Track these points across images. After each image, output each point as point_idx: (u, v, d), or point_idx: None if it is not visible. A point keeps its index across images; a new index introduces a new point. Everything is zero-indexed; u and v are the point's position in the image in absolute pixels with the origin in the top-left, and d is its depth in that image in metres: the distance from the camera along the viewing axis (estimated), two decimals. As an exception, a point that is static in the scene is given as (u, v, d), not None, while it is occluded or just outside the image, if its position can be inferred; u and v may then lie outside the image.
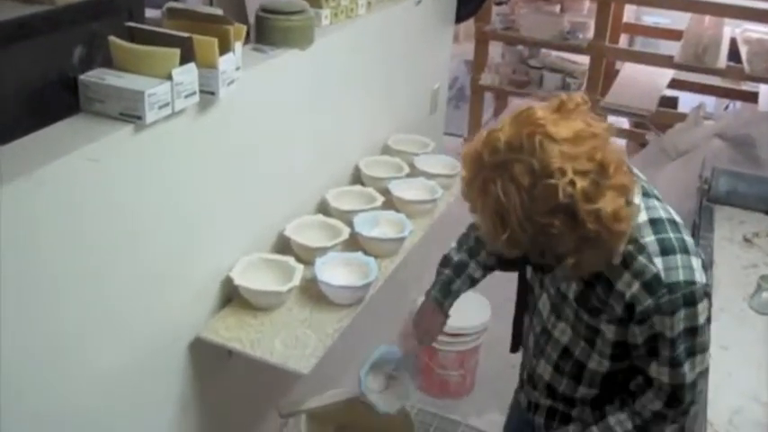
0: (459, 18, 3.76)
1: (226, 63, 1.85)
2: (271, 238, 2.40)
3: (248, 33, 2.17)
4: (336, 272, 2.27)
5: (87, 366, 1.74)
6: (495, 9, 5.04)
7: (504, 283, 2.02)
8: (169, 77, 1.71)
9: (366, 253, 2.38)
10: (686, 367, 1.57)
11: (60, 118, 1.69)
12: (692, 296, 1.51)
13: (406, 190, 2.72)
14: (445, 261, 1.99)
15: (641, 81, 4.99)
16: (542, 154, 1.36)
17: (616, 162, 1.42)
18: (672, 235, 1.54)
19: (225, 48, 1.85)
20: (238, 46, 1.92)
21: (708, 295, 1.55)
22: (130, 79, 1.70)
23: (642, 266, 1.51)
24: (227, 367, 2.24)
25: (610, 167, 1.40)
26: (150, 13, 3.21)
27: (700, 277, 1.53)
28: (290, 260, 2.26)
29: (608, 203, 1.39)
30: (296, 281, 2.18)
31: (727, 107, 5.98)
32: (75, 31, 2.58)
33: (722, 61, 4.63)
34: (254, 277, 2.19)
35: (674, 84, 5.16)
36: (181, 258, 1.99)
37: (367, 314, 2.28)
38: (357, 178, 2.86)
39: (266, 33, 2.26)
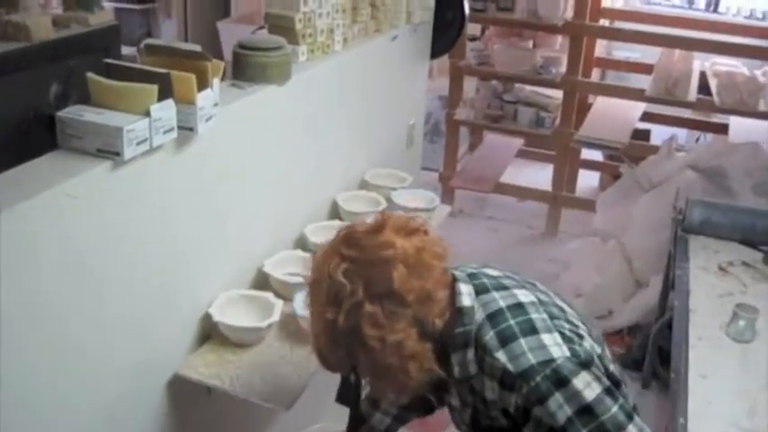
0: (434, 54, 3.80)
1: (204, 99, 1.86)
2: (250, 274, 2.39)
3: (224, 70, 2.18)
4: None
5: (63, 404, 1.71)
6: (469, 45, 5.09)
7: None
8: (147, 114, 1.71)
9: (345, 287, 2.37)
10: None
11: (37, 154, 1.68)
12: (557, 375, 1.38)
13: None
14: None
15: (614, 114, 5.05)
16: (333, 278, 1.39)
17: (421, 291, 1.40)
18: (512, 321, 1.45)
19: (203, 84, 1.85)
20: (216, 82, 1.92)
21: (584, 365, 1.41)
22: (108, 115, 1.69)
23: (490, 366, 1.44)
24: (207, 404, 2.22)
25: (408, 296, 1.38)
26: (126, 50, 3.23)
27: (558, 352, 1.40)
28: (270, 296, 2.25)
29: (395, 333, 1.38)
30: (275, 317, 2.16)
31: (698, 139, 6.07)
32: (52, 67, 2.59)
33: (692, 94, 4.70)
34: (234, 313, 2.17)
35: (646, 117, 5.22)
36: (159, 295, 1.97)
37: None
38: (335, 213, 2.86)
39: (244, 69, 2.27)
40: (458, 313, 1.47)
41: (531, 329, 1.44)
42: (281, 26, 2.49)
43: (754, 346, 2.33)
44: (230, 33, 5.07)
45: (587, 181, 5.53)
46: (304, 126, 2.57)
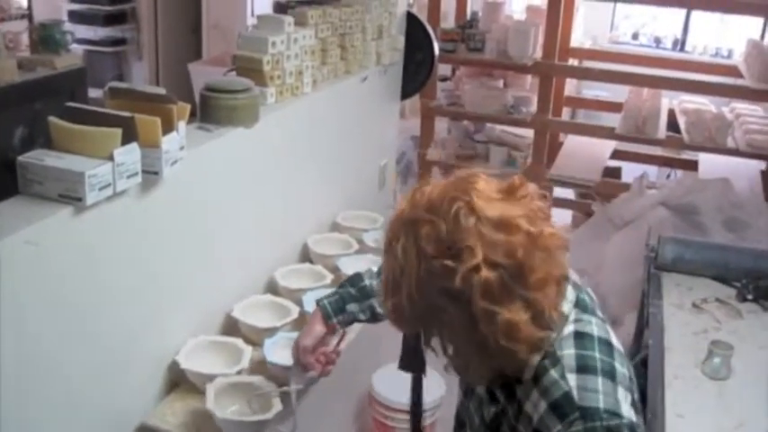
0: (405, 94, 3.80)
1: (169, 142, 1.83)
2: (218, 320, 2.35)
3: (194, 112, 2.16)
4: (286, 353, 2.21)
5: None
6: (439, 85, 5.12)
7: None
8: (110, 158, 1.68)
9: (316, 332, 2.33)
10: None
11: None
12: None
13: (356, 267, 2.69)
14: (355, 279, 1.88)
15: (585, 152, 5.09)
16: (455, 225, 1.19)
17: (543, 275, 1.22)
18: (598, 355, 1.28)
19: (168, 127, 1.83)
20: (182, 125, 1.90)
21: None
22: (70, 160, 1.66)
23: (551, 382, 1.25)
24: (175, 455, 2.16)
25: (530, 275, 1.20)
26: (96, 93, 3.20)
27: (627, 413, 1.23)
28: (239, 342, 2.20)
29: (509, 311, 1.19)
30: (244, 363, 2.12)
31: (669, 176, 6.12)
32: (17, 111, 2.56)
33: (662, 131, 4.75)
34: (202, 360, 2.12)
35: (616, 154, 5.27)
36: (125, 342, 1.92)
37: (318, 395, 2.22)
38: (306, 256, 2.83)
39: (211, 112, 2.25)
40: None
41: (612, 376, 1.27)
42: (250, 68, 2.48)
43: (730, 383, 2.31)
44: (202, 75, 5.05)
45: (559, 219, 5.52)
46: (273, 168, 2.54)
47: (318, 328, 1.88)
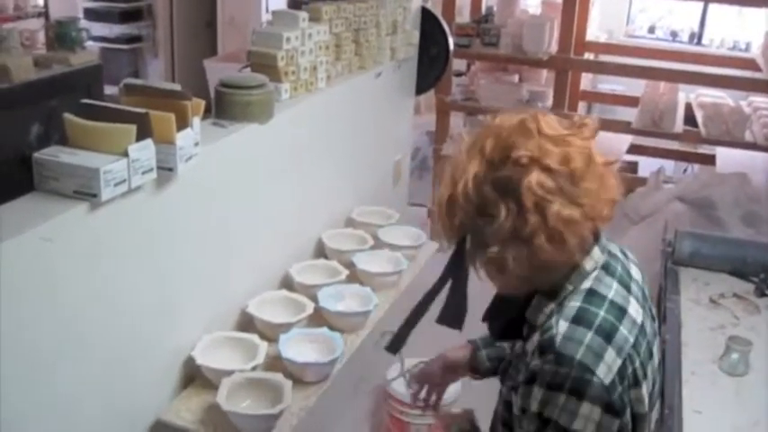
0: (420, 90, 3.79)
1: (184, 139, 1.83)
2: (233, 316, 2.35)
3: (209, 108, 2.16)
4: (301, 348, 2.22)
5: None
6: (454, 80, 5.10)
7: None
8: (125, 154, 1.68)
9: (331, 328, 2.33)
10: None
11: (13, 197, 1.64)
12: (579, 384, 1.25)
13: (371, 262, 2.69)
14: None
15: (601, 147, 5.02)
16: (516, 131, 1.31)
17: (595, 188, 1.32)
18: (602, 313, 1.32)
19: (183, 123, 1.83)
20: (197, 121, 1.90)
21: (607, 406, 1.26)
22: (85, 156, 1.66)
23: (548, 326, 1.32)
24: (191, 451, 2.16)
25: (581, 181, 1.30)
26: (111, 90, 3.22)
27: (602, 373, 1.26)
28: (254, 338, 2.20)
29: (561, 206, 1.27)
30: (260, 359, 2.12)
31: (685, 170, 6.08)
32: (33, 108, 2.57)
33: (679, 126, 4.72)
34: (217, 356, 2.13)
35: (633, 149, 5.23)
36: (140, 338, 1.93)
37: (334, 391, 2.22)
38: (321, 252, 2.83)
39: (226, 108, 2.25)
40: (574, 268, 1.37)
41: (607, 335, 1.30)
42: (264, 64, 2.48)
43: (748, 379, 2.29)
44: (217, 72, 5.06)
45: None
46: (288, 164, 2.54)
47: (463, 353, 1.88)
